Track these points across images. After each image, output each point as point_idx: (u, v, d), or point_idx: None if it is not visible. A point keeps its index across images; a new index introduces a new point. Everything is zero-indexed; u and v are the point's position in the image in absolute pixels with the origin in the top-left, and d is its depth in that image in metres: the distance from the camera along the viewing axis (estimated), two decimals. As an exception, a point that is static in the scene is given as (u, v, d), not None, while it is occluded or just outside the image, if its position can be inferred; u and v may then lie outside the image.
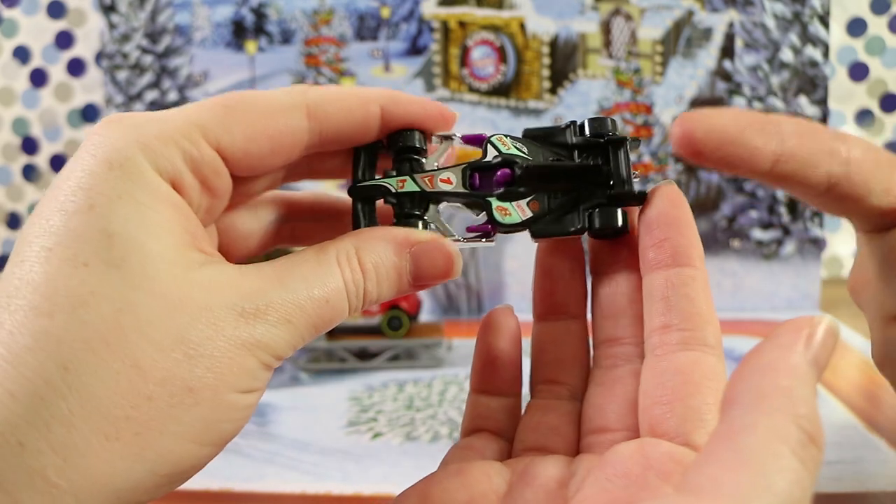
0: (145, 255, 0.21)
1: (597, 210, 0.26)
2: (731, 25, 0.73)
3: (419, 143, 0.27)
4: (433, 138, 0.28)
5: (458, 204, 0.27)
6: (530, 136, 0.28)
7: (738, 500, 0.15)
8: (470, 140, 0.28)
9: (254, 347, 0.22)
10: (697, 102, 0.74)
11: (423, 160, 0.27)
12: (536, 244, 0.28)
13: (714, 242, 0.74)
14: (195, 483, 0.43)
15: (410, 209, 0.26)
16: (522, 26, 0.74)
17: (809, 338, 0.18)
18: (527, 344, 0.29)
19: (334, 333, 0.61)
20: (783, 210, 0.73)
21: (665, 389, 0.23)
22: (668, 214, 0.25)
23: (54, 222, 0.21)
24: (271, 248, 0.29)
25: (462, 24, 0.75)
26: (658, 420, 0.23)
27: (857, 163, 0.27)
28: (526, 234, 0.27)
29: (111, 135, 0.22)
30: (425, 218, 0.27)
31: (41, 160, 0.80)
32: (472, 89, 0.75)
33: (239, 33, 0.75)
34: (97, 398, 0.20)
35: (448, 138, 0.28)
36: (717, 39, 0.73)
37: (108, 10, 0.74)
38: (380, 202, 0.27)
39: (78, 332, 0.20)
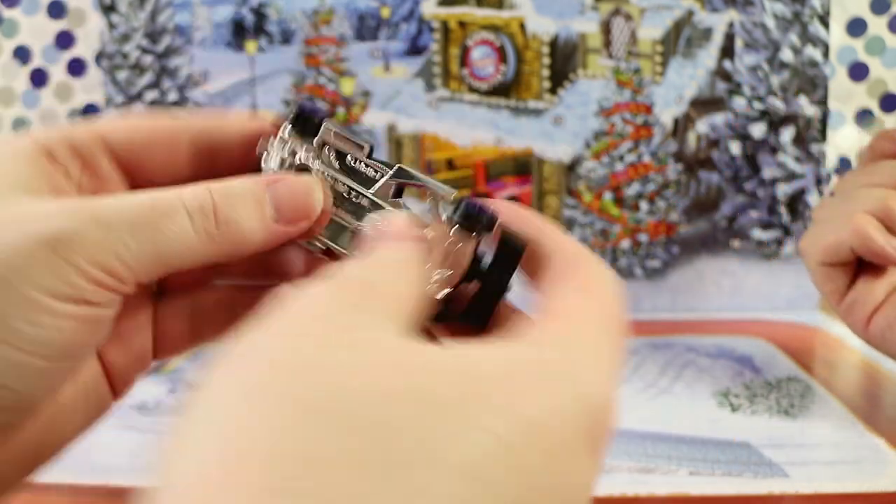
0: None
1: None
2: (731, 25, 0.73)
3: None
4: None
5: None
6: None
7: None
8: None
9: (53, 242, 0.22)
10: (697, 102, 0.74)
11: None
12: None
13: (714, 242, 0.74)
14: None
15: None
16: (522, 26, 0.74)
17: None
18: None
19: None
20: (783, 210, 0.73)
21: None
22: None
23: None
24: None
25: (462, 24, 0.75)
26: None
27: None
28: None
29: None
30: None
31: (41, 160, 0.80)
32: (472, 89, 0.75)
33: (239, 33, 0.75)
34: None
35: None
36: (717, 39, 0.74)
37: (108, 10, 0.74)
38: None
39: None
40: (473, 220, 0.25)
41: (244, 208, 0.24)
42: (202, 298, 0.29)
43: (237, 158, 0.27)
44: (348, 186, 0.27)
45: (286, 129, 0.27)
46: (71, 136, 0.26)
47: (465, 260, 0.25)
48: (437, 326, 0.25)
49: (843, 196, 0.48)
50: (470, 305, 0.26)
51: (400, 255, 0.22)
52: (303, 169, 0.27)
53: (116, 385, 0.28)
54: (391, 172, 0.27)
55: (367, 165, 0.27)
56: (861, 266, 0.47)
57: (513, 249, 0.25)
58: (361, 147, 0.27)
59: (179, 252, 0.23)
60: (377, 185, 0.27)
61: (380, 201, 0.27)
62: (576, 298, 0.22)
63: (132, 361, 0.28)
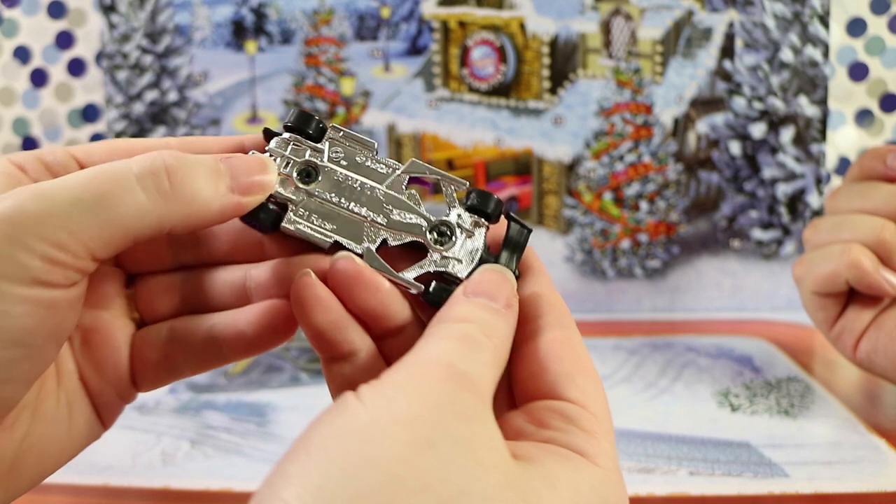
0: None
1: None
2: (731, 25, 0.73)
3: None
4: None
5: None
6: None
7: None
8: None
9: (3, 225, 0.21)
10: (697, 102, 0.74)
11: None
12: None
13: (714, 242, 0.74)
14: (195, 483, 0.44)
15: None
16: (522, 26, 0.74)
17: None
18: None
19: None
20: (783, 210, 0.73)
21: None
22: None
23: None
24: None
25: (462, 24, 0.75)
26: None
27: None
28: None
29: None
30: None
31: (41, 160, 0.80)
32: (472, 89, 0.75)
33: (239, 33, 0.75)
34: None
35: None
36: (717, 39, 0.73)
37: (108, 10, 0.74)
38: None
39: None
40: (485, 206, 0.27)
41: (199, 174, 0.24)
42: (177, 326, 0.29)
43: None
44: (360, 182, 0.28)
45: (284, 134, 0.28)
46: (41, 154, 0.26)
47: (477, 247, 0.27)
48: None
49: (836, 219, 0.48)
50: None
51: (495, 323, 0.24)
52: (309, 167, 0.27)
53: (102, 413, 0.28)
54: (405, 166, 0.28)
55: (376, 162, 0.28)
56: (851, 295, 0.48)
57: (520, 233, 0.27)
58: (369, 145, 0.28)
59: (130, 216, 0.23)
60: (390, 179, 0.28)
61: (395, 193, 0.28)
62: (602, 401, 0.25)
63: (111, 386, 0.28)
